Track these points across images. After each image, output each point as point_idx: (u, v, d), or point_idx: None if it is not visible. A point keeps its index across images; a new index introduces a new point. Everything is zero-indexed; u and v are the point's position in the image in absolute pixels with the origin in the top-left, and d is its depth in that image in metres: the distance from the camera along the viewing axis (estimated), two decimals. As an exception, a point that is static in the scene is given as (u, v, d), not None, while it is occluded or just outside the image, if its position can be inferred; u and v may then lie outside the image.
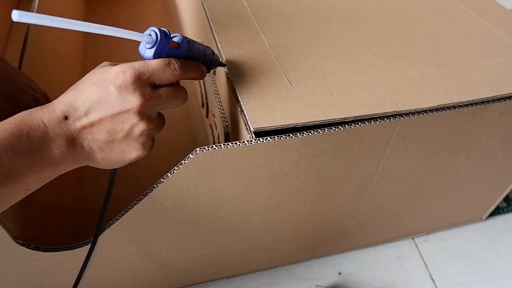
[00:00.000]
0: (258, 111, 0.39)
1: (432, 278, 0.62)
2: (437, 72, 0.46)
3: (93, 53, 0.87)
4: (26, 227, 0.44)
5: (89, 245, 0.42)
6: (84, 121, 0.32)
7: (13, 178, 0.30)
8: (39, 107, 0.32)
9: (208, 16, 0.51)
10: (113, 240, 0.44)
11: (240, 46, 0.47)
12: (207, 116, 0.62)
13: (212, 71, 0.50)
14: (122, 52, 0.79)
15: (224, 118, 0.48)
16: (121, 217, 0.41)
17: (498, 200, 0.64)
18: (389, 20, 0.54)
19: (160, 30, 0.34)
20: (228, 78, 0.43)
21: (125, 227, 0.43)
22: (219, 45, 0.46)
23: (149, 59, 0.34)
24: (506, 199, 0.72)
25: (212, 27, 0.49)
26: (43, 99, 0.47)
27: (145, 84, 0.33)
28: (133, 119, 0.33)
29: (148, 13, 1.03)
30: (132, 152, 0.35)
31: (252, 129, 0.37)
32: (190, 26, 0.72)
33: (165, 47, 0.34)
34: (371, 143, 0.43)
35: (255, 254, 0.55)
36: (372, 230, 0.60)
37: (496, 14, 0.57)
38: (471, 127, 0.46)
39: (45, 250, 0.42)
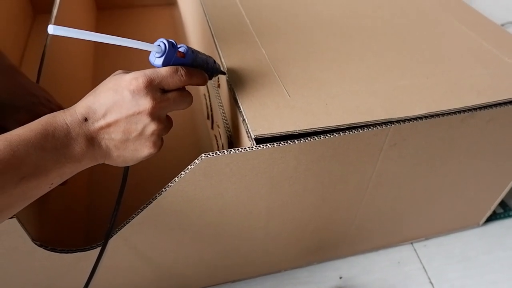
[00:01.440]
0: (258, 120, 0.42)
1: (431, 282, 0.63)
2: (427, 82, 0.49)
3: (103, 67, 0.91)
4: (43, 229, 0.47)
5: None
6: (102, 122, 0.36)
7: (40, 173, 0.33)
8: (61, 110, 0.36)
9: (212, 32, 0.54)
10: (124, 242, 0.47)
11: (242, 59, 0.50)
12: (212, 128, 0.65)
13: (216, 83, 0.54)
14: (129, 65, 0.83)
15: (228, 127, 0.52)
16: (131, 220, 0.44)
17: (494, 205, 0.66)
18: (382, 33, 0.57)
19: (168, 41, 0.38)
20: (230, 90, 0.47)
21: (135, 230, 0.46)
22: (222, 59, 0.50)
23: (158, 67, 0.38)
24: (503, 204, 0.74)
25: (216, 42, 0.53)
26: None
27: (155, 89, 0.37)
28: (145, 120, 0.37)
29: (156, 28, 1.07)
30: (144, 150, 0.39)
31: (253, 136, 0.40)
32: (196, 41, 0.76)
33: (172, 56, 0.39)
34: (365, 149, 0.46)
35: (258, 257, 0.58)
36: (371, 235, 0.62)
37: (484, 27, 0.60)
38: (461, 134, 0.49)
39: (60, 252, 0.45)
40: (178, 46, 0.40)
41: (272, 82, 0.47)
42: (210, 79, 0.45)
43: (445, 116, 0.46)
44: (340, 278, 0.63)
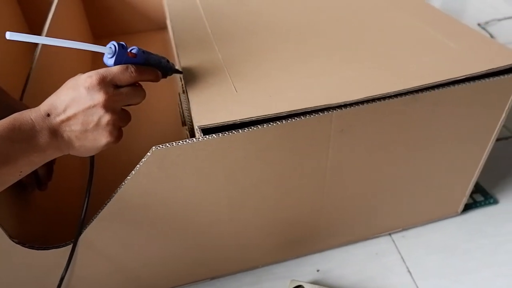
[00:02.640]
0: (204, 113, 0.46)
1: (409, 271, 0.64)
2: (372, 71, 0.51)
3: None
4: (25, 229, 0.51)
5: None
6: (62, 116, 0.41)
7: (9, 161, 0.39)
8: (28, 109, 0.42)
9: (174, 39, 0.59)
10: (96, 238, 0.50)
11: (198, 62, 0.54)
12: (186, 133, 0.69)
13: (182, 89, 0.58)
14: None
15: (192, 127, 0.55)
16: (98, 214, 0.48)
17: (468, 191, 0.67)
18: (335, 34, 0.60)
19: (118, 43, 0.44)
20: (183, 88, 0.51)
21: (105, 224, 0.49)
22: (180, 62, 0.54)
23: (110, 66, 0.44)
24: (483, 192, 0.75)
25: (176, 48, 0.57)
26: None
27: (108, 85, 0.42)
28: (100, 111, 0.42)
29: (149, 49, 1.13)
30: (102, 139, 0.43)
31: (196, 127, 0.44)
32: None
33: (123, 56, 0.44)
34: (312, 137, 0.49)
35: (233, 253, 0.60)
36: (345, 227, 0.64)
37: (434, 17, 0.62)
38: (409, 117, 0.51)
39: (38, 249, 0.49)
40: (131, 48, 0.45)
41: (222, 80, 0.51)
42: (165, 77, 0.50)
43: (386, 100, 0.48)
44: (318, 271, 0.65)
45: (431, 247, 0.67)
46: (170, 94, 0.92)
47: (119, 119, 0.44)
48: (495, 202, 0.74)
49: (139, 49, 0.46)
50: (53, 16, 0.83)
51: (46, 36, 0.76)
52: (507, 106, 0.56)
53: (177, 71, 0.52)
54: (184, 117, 0.60)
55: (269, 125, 0.45)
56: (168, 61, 0.50)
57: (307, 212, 0.58)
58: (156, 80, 0.48)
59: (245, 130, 0.45)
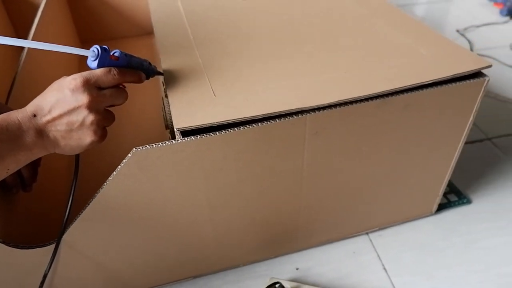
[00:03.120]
0: (183, 116, 0.48)
1: (385, 268, 0.67)
2: (345, 76, 0.54)
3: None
4: (9, 229, 0.53)
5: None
6: (48, 117, 0.44)
7: None
8: (15, 110, 0.44)
9: (157, 45, 0.61)
10: (79, 237, 0.52)
11: (179, 67, 0.56)
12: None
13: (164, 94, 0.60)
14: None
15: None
16: (81, 214, 0.49)
17: (441, 191, 0.70)
18: (313, 38, 0.63)
19: (101, 47, 0.46)
20: (166, 96, 0.53)
21: (87, 224, 0.51)
22: (164, 70, 0.56)
23: (94, 69, 0.46)
24: (457, 193, 0.78)
25: (159, 53, 0.59)
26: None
27: (92, 87, 0.45)
28: (84, 112, 0.44)
29: (136, 54, 1.15)
30: (87, 138, 0.45)
31: (175, 129, 0.46)
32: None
33: (106, 59, 0.46)
34: (288, 139, 0.51)
35: (215, 252, 0.62)
36: (323, 226, 0.66)
37: (408, 25, 0.65)
38: (380, 120, 0.54)
39: (22, 248, 0.50)
40: (113, 51, 0.47)
41: (201, 84, 0.53)
42: (148, 78, 0.52)
43: (358, 103, 0.51)
44: (297, 269, 0.67)
45: (406, 245, 0.70)
46: (155, 99, 0.93)
47: (103, 119, 0.46)
48: (469, 202, 0.77)
49: (121, 52, 0.48)
50: (39, 21, 0.85)
51: (32, 39, 0.77)
52: (474, 109, 0.58)
53: (159, 73, 0.54)
54: (167, 120, 0.62)
55: (246, 127, 0.48)
56: (150, 63, 0.52)
57: (286, 211, 0.60)
58: (139, 81, 0.50)
59: (223, 132, 0.47)
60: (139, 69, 0.50)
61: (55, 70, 0.91)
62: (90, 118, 0.44)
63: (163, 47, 0.62)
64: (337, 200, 0.63)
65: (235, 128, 0.47)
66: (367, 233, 0.72)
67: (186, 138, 0.46)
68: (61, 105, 0.43)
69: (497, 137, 0.92)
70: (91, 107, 0.44)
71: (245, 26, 0.67)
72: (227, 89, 0.52)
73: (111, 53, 0.47)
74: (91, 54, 0.46)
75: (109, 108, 0.48)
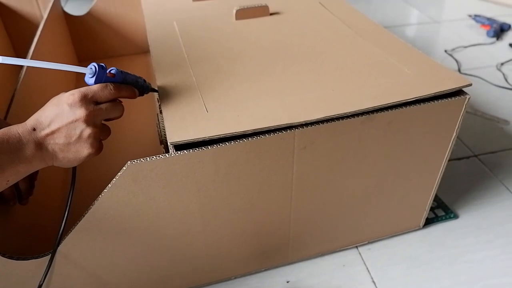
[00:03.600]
0: (177, 130, 0.50)
1: (373, 281, 0.68)
2: (332, 94, 0.56)
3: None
4: (5, 240, 0.54)
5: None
6: (47, 130, 0.46)
7: None
8: (16, 124, 0.46)
9: (153, 63, 0.63)
10: (73, 249, 0.53)
11: (174, 85, 0.59)
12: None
13: (159, 110, 0.62)
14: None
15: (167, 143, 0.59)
16: (76, 225, 0.51)
17: (427, 206, 0.72)
18: (303, 58, 0.66)
19: (99, 65, 0.48)
20: (160, 112, 0.55)
21: (82, 235, 0.52)
22: (158, 88, 0.58)
23: (91, 85, 0.48)
24: (445, 208, 0.80)
25: (154, 71, 0.62)
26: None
27: (89, 102, 0.47)
28: (81, 126, 0.46)
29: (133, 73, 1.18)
30: (84, 150, 0.47)
31: (169, 143, 0.48)
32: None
33: (103, 76, 0.49)
34: (278, 153, 0.53)
35: (206, 264, 0.64)
36: (313, 239, 0.68)
37: (393, 45, 0.68)
38: (366, 135, 0.56)
39: (17, 259, 0.52)
40: (110, 69, 0.50)
41: (195, 101, 0.55)
42: (142, 95, 0.55)
43: (344, 119, 0.53)
44: (288, 282, 0.68)
45: (394, 258, 0.72)
46: (150, 115, 0.95)
47: (100, 132, 0.48)
48: (456, 217, 0.79)
49: (117, 69, 0.50)
50: (38, 39, 0.87)
51: (31, 58, 0.79)
52: (457, 126, 0.61)
53: (154, 90, 0.56)
54: (161, 136, 0.64)
55: (237, 142, 0.50)
56: (145, 80, 0.54)
57: (276, 224, 0.62)
58: (133, 96, 0.52)
59: (214, 147, 0.49)
60: (134, 85, 0.53)
61: (53, 87, 0.93)
62: (87, 131, 0.46)
63: (158, 65, 0.64)
64: (326, 213, 0.64)
65: (226, 143, 0.49)
66: (356, 247, 0.73)
67: (179, 152, 0.48)
68: (60, 119, 0.46)
69: (483, 154, 0.94)
70: (88, 121, 0.46)
71: (237, 46, 0.70)
72: (219, 105, 0.54)
73: (108, 71, 0.50)
74: (89, 71, 0.48)
75: (106, 123, 0.50)
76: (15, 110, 0.67)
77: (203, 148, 0.49)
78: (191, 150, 0.49)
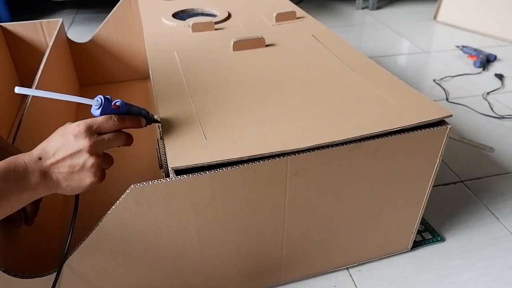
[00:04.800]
0: (177, 156, 0.53)
1: (363, 302, 0.71)
2: (322, 123, 0.60)
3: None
4: (12, 259, 0.57)
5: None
6: (52, 160, 0.48)
7: (3, 197, 0.46)
8: (22, 153, 0.49)
9: (155, 92, 0.67)
10: (77, 267, 0.56)
11: (174, 113, 0.62)
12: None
13: (159, 136, 0.66)
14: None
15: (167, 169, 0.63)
16: (80, 245, 0.54)
17: (414, 229, 0.75)
18: (295, 88, 0.70)
19: (104, 97, 0.51)
20: (161, 138, 0.58)
21: (84, 255, 0.55)
22: (159, 113, 0.62)
23: (97, 116, 0.51)
24: (432, 231, 0.83)
25: (156, 100, 0.65)
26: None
27: (93, 133, 0.50)
28: (85, 155, 0.49)
29: (133, 99, 1.22)
30: (87, 179, 0.50)
31: (170, 168, 0.51)
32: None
33: (108, 108, 0.52)
34: (271, 178, 0.57)
35: (203, 283, 0.66)
36: (305, 260, 0.71)
37: (380, 77, 0.73)
38: (354, 162, 0.60)
39: (22, 277, 0.54)
40: (115, 101, 0.53)
41: (194, 129, 0.59)
42: (145, 125, 0.58)
43: (333, 147, 0.57)
44: (280, 302, 0.71)
45: (383, 280, 0.74)
46: (149, 141, 0.99)
47: (103, 162, 0.51)
48: (442, 240, 0.82)
49: (122, 101, 0.54)
50: (44, 66, 0.91)
51: (37, 84, 0.83)
52: (440, 153, 0.65)
53: (156, 121, 0.60)
54: (161, 160, 0.67)
55: (233, 167, 0.53)
56: (148, 112, 0.58)
57: (270, 245, 0.65)
58: (137, 127, 0.55)
59: (212, 172, 0.53)
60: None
61: (57, 112, 0.97)
62: (91, 161, 0.49)
63: (160, 93, 0.68)
64: (318, 235, 0.68)
65: (223, 168, 0.53)
66: (347, 268, 0.76)
67: (179, 176, 0.52)
68: (65, 149, 0.48)
69: (469, 180, 0.98)
70: (92, 151, 0.49)
71: (234, 76, 0.74)
72: (216, 133, 0.58)
73: (113, 103, 0.53)
74: (95, 103, 0.51)
75: (109, 150, 0.53)
76: (22, 135, 0.71)
77: (202, 173, 0.52)
78: (190, 174, 0.52)
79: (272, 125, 0.60)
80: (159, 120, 0.61)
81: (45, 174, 0.48)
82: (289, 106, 0.65)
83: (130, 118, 0.54)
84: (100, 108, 0.51)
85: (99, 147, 0.50)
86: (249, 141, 0.56)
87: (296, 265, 0.71)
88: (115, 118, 0.51)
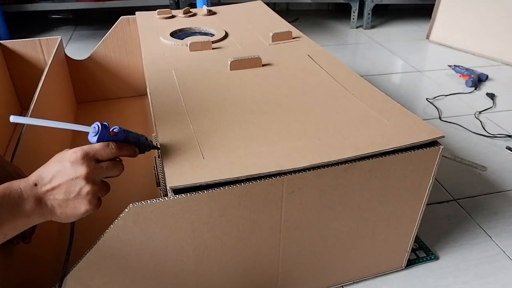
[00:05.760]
0: (175, 176, 0.54)
1: (358, 321, 0.71)
2: (318, 143, 0.62)
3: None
4: (10, 277, 0.57)
5: (54, 289, 0.55)
6: (48, 186, 0.48)
7: None
8: (18, 179, 0.48)
9: (153, 114, 0.68)
10: (74, 285, 0.56)
11: (173, 134, 0.64)
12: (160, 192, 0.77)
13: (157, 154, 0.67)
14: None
15: (165, 187, 0.63)
16: (77, 264, 0.54)
17: (408, 248, 0.76)
18: (291, 108, 0.71)
19: (102, 124, 0.51)
20: (159, 156, 0.59)
21: (82, 273, 0.55)
22: (158, 134, 0.63)
23: (94, 143, 0.51)
24: (426, 249, 0.84)
25: (155, 121, 0.66)
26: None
27: (90, 160, 0.49)
28: (81, 183, 0.48)
29: (130, 115, 1.23)
30: (82, 207, 0.49)
31: (168, 188, 0.52)
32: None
33: (105, 135, 0.51)
34: (267, 197, 0.57)
35: (198, 303, 0.66)
36: (301, 278, 0.71)
37: (375, 99, 0.74)
38: (349, 182, 0.61)
39: (19, 295, 0.55)
40: (112, 128, 0.53)
41: (192, 149, 0.60)
42: (143, 152, 0.57)
43: (328, 167, 0.58)
44: (276, 320, 0.71)
45: (378, 298, 0.75)
46: (147, 158, 1.00)
47: (99, 189, 0.50)
48: (436, 258, 0.83)
49: (120, 128, 0.53)
50: (43, 84, 0.92)
51: (36, 102, 0.84)
52: (432, 173, 0.66)
53: (155, 147, 0.59)
54: (158, 178, 0.68)
55: (230, 187, 0.54)
56: (146, 138, 0.57)
57: (266, 263, 0.66)
58: (134, 155, 0.55)
59: (210, 191, 0.54)
60: (135, 143, 0.55)
61: (55, 131, 0.98)
62: (87, 188, 0.48)
63: (158, 112, 0.70)
64: (313, 253, 0.68)
65: (221, 187, 0.54)
66: (342, 286, 0.77)
67: (177, 196, 0.52)
68: (61, 175, 0.47)
69: (462, 199, 0.99)
70: (88, 178, 0.48)
71: (231, 96, 0.75)
72: (214, 152, 0.59)
73: (111, 129, 0.52)
74: (92, 130, 0.50)
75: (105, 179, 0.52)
76: (21, 154, 0.71)
77: (199, 192, 0.53)
78: (188, 193, 0.53)
79: (268, 144, 0.61)
80: (158, 146, 0.60)
81: (40, 200, 0.47)
82: (285, 125, 0.66)
83: (128, 146, 0.54)
84: (97, 135, 0.50)
85: (96, 175, 0.49)
86: (246, 161, 0.57)
87: (292, 283, 0.71)
88: (113, 146, 0.51)
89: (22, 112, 1.25)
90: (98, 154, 0.50)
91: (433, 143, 0.64)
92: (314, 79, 0.83)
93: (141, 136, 0.57)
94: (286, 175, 0.56)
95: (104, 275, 0.57)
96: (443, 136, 0.64)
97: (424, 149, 0.63)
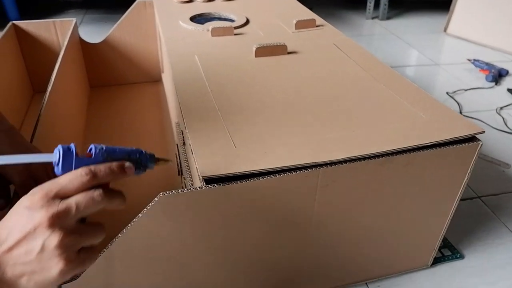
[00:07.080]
0: (207, 165, 0.52)
1: (383, 319, 0.69)
2: (352, 135, 0.59)
3: (94, 131, 1.02)
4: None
5: None
6: (4, 247, 0.35)
7: None
8: None
9: (181, 108, 0.65)
10: (93, 279, 0.54)
11: (201, 120, 0.61)
12: (181, 182, 0.74)
13: (181, 141, 0.64)
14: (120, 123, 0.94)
15: (190, 176, 0.61)
16: (102, 253, 0.52)
17: (436, 245, 0.74)
18: (322, 100, 0.68)
19: (64, 147, 0.38)
20: (189, 146, 0.57)
21: (106, 262, 0.53)
22: (185, 121, 0.61)
23: (59, 175, 0.38)
24: (451, 248, 0.82)
25: (183, 114, 0.64)
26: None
27: (52, 199, 0.36)
28: (44, 233, 0.34)
29: (144, 101, 1.21)
30: (52, 267, 0.35)
31: (201, 177, 0.50)
32: (174, 113, 0.88)
33: (71, 161, 0.38)
34: (301, 190, 0.55)
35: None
36: (326, 274, 0.69)
37: (408, 91, 0.71)
38: (383, 176, 0.58)
39: None
40: (89, 147, 0.40)
41: (223, 138, 0.57)
42: (143, 168, 0.45)
43: (365, 160, 0.55)
44: (299, 316, 0.69)
45: (403, 297, 0.73)
46: (165, 145, 0.97)
47: (75, 238, 0.36)
48: (461, 257, 0.80)
49: (97, 146, 0.40)
50: (58, 68, 0.89)
51: (52, 87, 0.82)
52: (469, 170, 0.64)
53: (159, 159, 0.47)
54: (181, 166, 0.66)
55: (264, 178, 0.52)
56: (142, 152, 0.44)
57: (292, 257, 0.64)
58: (125, 174, 0.41)
59: (243, 182, 0.51)
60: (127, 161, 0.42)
61: (71, 113, 0.95)
62: (53, 240, 0.35)
63: (183, 98, 0.67)
64: (340, 249, 0.66)
65: (255, 179, 0.51)
66: (366, 283, 0.75)
67: (209, 186, 0.50)
68: (18, 228, 0.35)
69: (486, 196, 0.97)
70: (53, 225, 0.35)
71: (258, 84, 0.72)
72: (246, 143, 0.57)
73: (88, 150, 0.40)
74: (54, 158, 0.38)
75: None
76: (40, 133, 0.69)
77: (232, 182, 0.51)
78: (221, 184, 0.50)
79: (301, 135, 0.59)
80: (167, 158, 0.48)
81: None
82: (316, 116, 0.64)
83: (108, 168, 0.39)
84: (60, 164, 0.38)
85: (64, 218, 0.36)
86: (280, 151, 0.55)
87: (316, 278, 0.69)
88: (85, 172, 0.37)
89: (35, 96, 1.22)
90: (63, 189, 0.37)
91: (471, 138, 0.61)
92: (342, 68, 0.80)
93: (133, 153, 0.43)
94: (322, 167, 0.54)
95: (128, 266, 0.55)
96: (483, 131, 0.61)
97: (463, 145, 0.60)
